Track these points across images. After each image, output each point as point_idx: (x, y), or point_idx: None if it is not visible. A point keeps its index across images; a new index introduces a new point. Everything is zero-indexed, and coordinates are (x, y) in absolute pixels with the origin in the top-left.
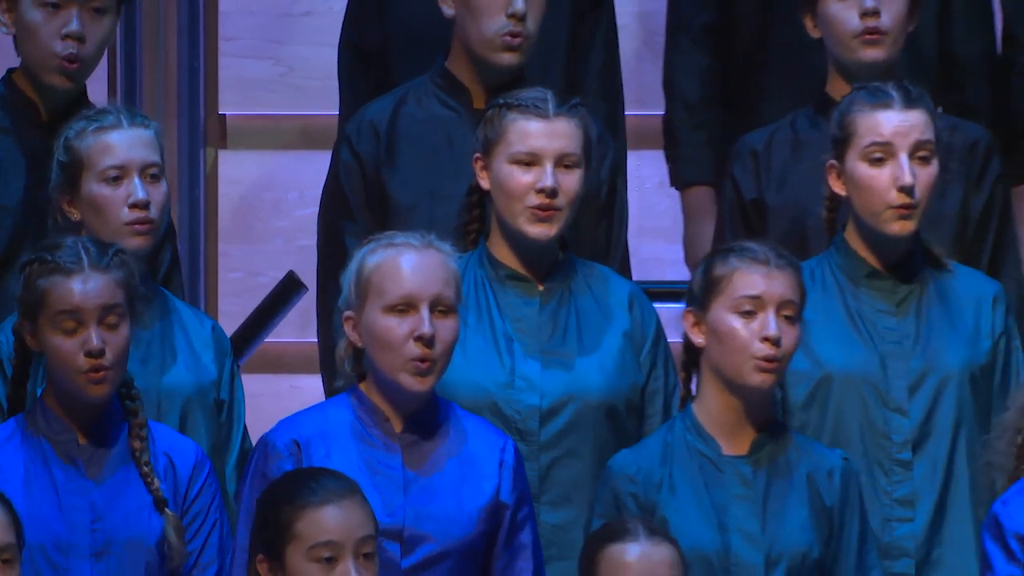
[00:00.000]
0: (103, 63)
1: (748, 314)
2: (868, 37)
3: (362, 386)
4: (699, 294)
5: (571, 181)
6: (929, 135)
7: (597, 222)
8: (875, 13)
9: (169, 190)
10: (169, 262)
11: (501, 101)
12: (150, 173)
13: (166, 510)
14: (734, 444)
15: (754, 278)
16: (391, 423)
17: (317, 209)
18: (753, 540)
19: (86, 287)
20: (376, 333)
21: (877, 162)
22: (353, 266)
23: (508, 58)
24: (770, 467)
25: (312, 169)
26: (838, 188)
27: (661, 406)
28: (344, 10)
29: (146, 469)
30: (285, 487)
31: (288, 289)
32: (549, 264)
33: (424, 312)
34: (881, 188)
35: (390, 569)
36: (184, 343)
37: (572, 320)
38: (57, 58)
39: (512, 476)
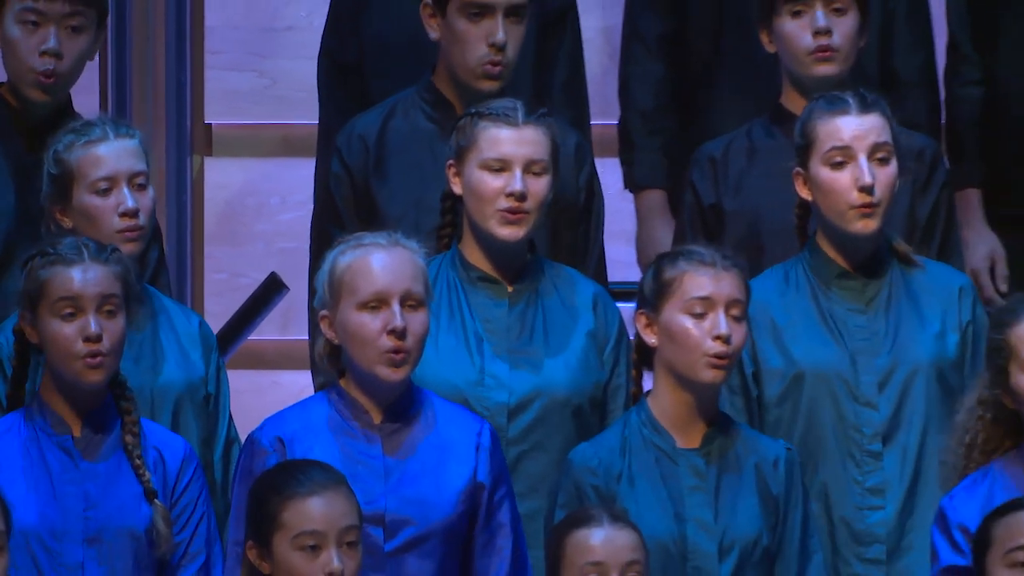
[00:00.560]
0: (95, 75)
1: (699, 315)
2: (820, 55)
3: (342, 382)
4: (650, 296)
5: (539, 186)
6: (886, 137)
7: (575, 227)
8: (827, 32)
9: (155, 195)
10: (156, 262)
11: (473, 110)
12: (137, 182)
13: (155, 501)
14: (687, 438)
15: (703, 280)
16: (370, 415)
17: (298, 214)
18: (708, 529)
19: (86, 275)
20: (351, 329)
21: (838, 165)
22: (325, 268)
23: (488, 85)
24: (721, 459)
25: (293, 176)
26: (804, 193)
27: (623, 402)
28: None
29: (138, 462)
30: (274, 478)
31: (270, 289)
32: (518, 266)
33: (395, 307)
34: (843, 189)
35: (374, 553)
36: (174, 342)
37: (539, 320)
38: (35, 73)
39: (489, 458)
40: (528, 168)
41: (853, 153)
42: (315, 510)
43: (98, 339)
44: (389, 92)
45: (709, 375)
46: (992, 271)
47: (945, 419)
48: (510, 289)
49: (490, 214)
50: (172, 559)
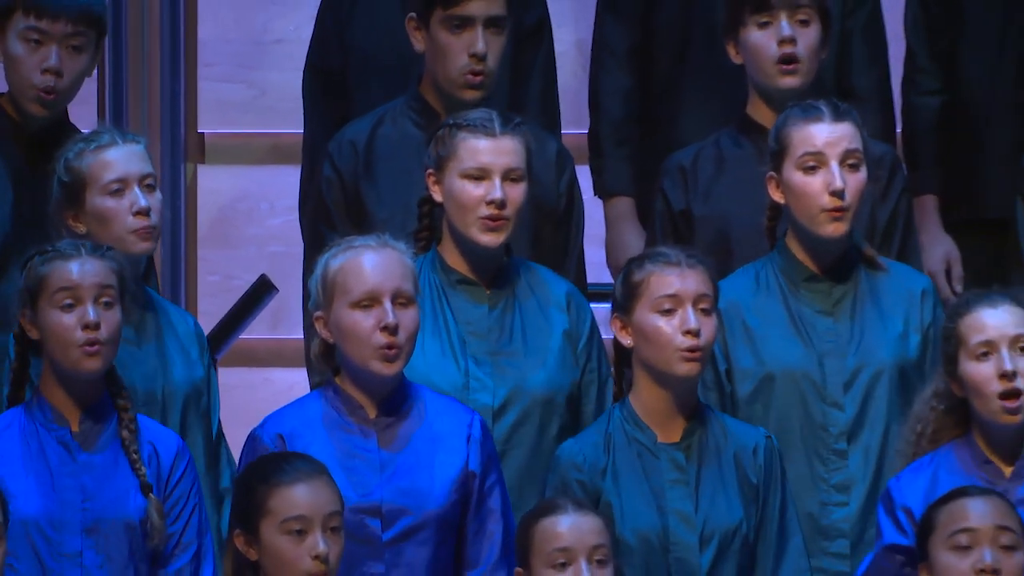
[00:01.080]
0: (93, 87)
1: (668, 312)
2: (784, 67)
3: (337, 380)
4: (622, 300)
5: (517, 192)
6: (857, 144)
7: (556, 230)
8: (791, 41)
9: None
10: (147, 261)
11: (451, 121)
12: (146, 183)
13: (150, 495)
14: (667, 432)
15: (669, 279)
16: (365, 410)
17: (287, 218)
18: (688, 521)
19: (83, 267)
20: (345, 328)
21: (810, 170)
22: (318, 270)
23: (471, 95)
24: (700, 452)
25: (282, 182)
26: (777, 196)
27: (595, 395)
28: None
29: (135, 456)
30: (259, 469)
31: (260, 290)
32: (495, 269)
33: (387, 304)
34: (815, 193)
35: (372, 543)
36: (176, 346)
37: (517, 322)
38: (36, 89)
39: (479, 448)
40: (507, 176)
41: (825, 159)
42: (301, 496)
43: (96, 327)
44: (372, 104)
45: (684, 368)
46: (948, 273)
47: (905, 417)
48: (488, 292)
49: (471, 221)
50: (165, 549)
